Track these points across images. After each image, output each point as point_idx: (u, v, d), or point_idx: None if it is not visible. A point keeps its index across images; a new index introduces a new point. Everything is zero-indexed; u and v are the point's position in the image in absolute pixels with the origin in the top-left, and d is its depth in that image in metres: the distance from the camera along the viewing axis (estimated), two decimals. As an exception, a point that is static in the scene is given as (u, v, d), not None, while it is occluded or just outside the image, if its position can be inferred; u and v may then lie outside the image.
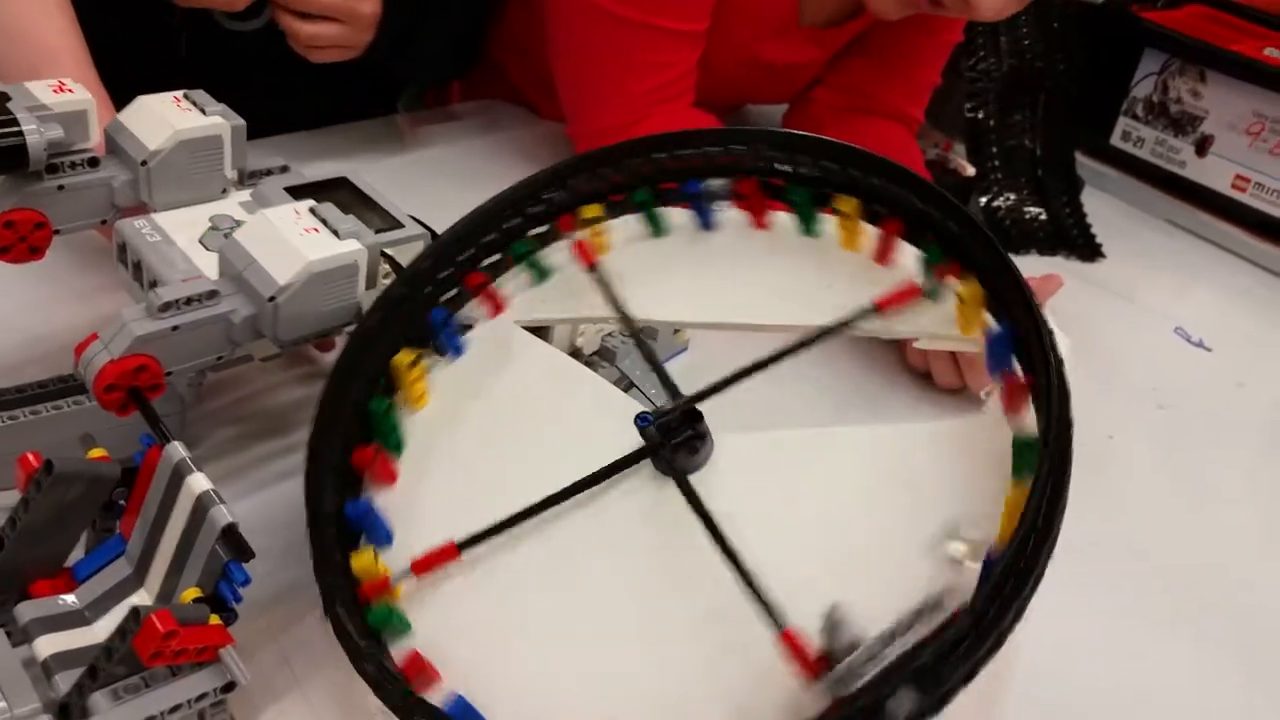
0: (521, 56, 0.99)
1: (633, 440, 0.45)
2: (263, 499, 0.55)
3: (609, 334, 0.67)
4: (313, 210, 0.47)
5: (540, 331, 0.60)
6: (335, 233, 0.46)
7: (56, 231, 0.51)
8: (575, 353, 0.65)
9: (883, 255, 0.46)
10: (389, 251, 0.50)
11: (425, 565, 0.44)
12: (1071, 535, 0.63)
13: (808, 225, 0.49)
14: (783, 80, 0.97)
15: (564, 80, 0.87)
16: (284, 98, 0.83)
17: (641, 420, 0.44)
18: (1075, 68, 1.06)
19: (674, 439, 0.43)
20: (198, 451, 0.57)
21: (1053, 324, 0.42)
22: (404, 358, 0.48)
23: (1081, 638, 0.57)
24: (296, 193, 0.54)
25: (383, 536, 0.45)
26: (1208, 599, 0.62)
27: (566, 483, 0.44)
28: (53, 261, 0.54)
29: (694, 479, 0.43)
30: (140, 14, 0.80)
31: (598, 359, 0.66)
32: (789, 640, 0.36)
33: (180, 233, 0.51)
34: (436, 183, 0.85)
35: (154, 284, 0.49)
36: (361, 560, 0.44)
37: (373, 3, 0.76)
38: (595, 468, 0.44)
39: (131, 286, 0.51)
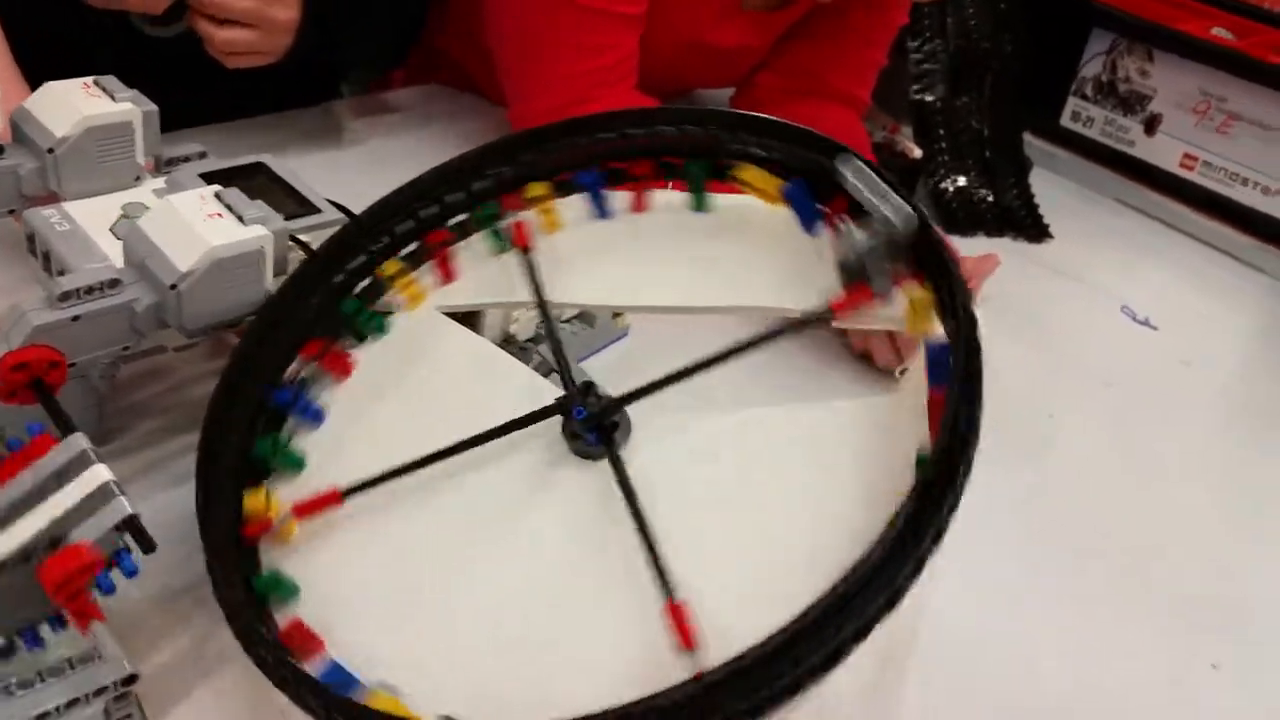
0: (467, 39, 0.98)
1: (550, 429, 0.44)
2: (185, 491, 0.54)
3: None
4: (218, 196, 0.46)
5: (471, 317, 0.59)
6: (241, 218, 0.45)
7: (-39, 222, 0.50)
8: (509, 339, 0.64)
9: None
10: (302, 237, 0.50)
11: (308, 509, 0.43)
12: (1016, 514, 0.64)
13: (699, 201, 0.48)
14: (726, 64, 0.96)
15: (504, 63, 0.86)
16: (215, 99, 0.81)
17: (577, 412, 0.43)
18: (1023, 48, 1.06)
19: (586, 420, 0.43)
20: (119, 443, 0.57)
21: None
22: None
23: (1019, 612, 0.57)
24: (212, 178, 0.53)
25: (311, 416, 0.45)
26: (1151, 577, 0.62)
27: (479, 467, 0.44)
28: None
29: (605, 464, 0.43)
30: (63, 22, 0.78)
31: (533, 345, 0.65)
32: (674, 612, 0.36)
33: (91, 221, 0.50)
34: (373, 170, 0.84)
35: (62, 273, 0.48)
36: (253, 500, 0.43)
37: (289, 9, 0.74)
38: (511, 455, 0.44)
39: (41, 277, 0.50)
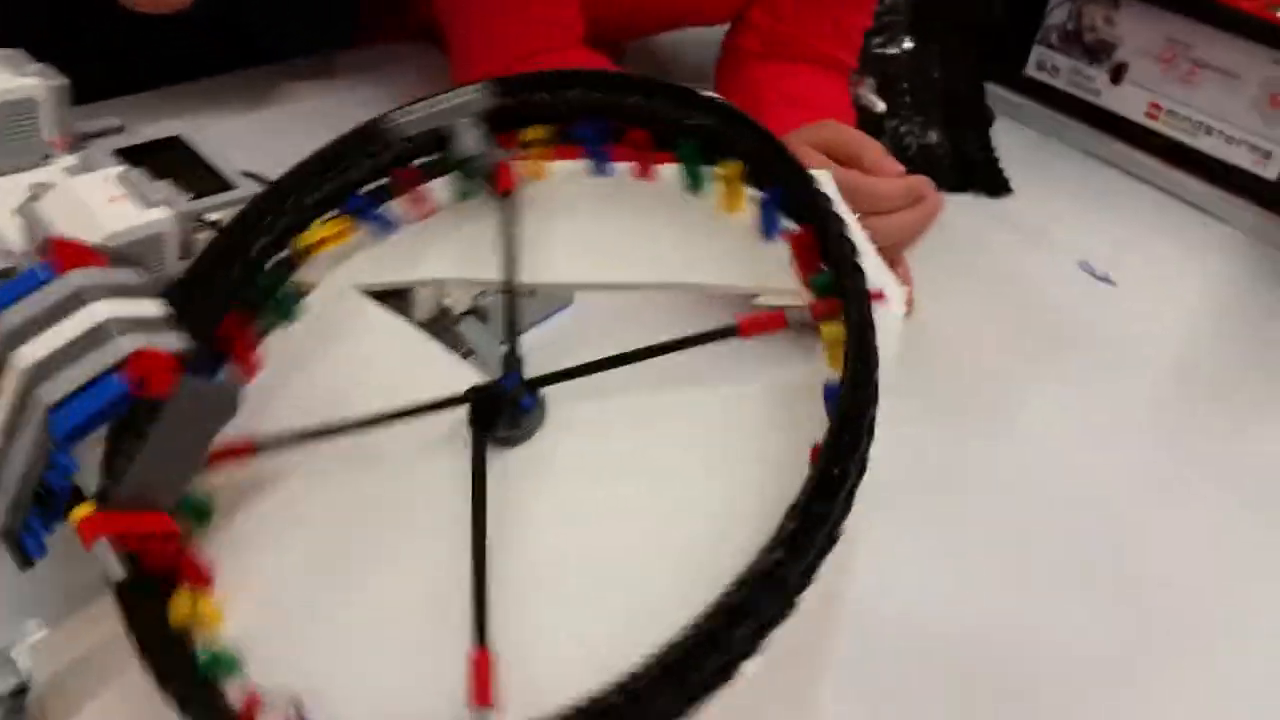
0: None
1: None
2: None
3: (483, 291, 0.65)
4: (120, 178, 0.44)
5: (401, 291, 0.58)
6: (143, 201, 0.43)
7: None
8: (443, 312, 0.63)
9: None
10: (217, 216, 0.48)
11: (221, 456, 0.42)
12: (970, 477, 0.63)
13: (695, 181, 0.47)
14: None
15: (451, 18, 0.84)
16: (151, 66, 0.79)
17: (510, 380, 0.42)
18: (987, -3, 1.04)
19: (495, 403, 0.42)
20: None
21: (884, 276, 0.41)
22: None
23: (970, 588, 0.56)
24: (127, 155, 0.51)
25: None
26: (1108, 539, 0.61)
27: (385, 456, 0.43)
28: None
29: (523, 451, 0.42)
30: None
31: (472, 318, 0.64)
32: (478, 663, 0.35)
33: (-3, 203, 0.49)
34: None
35: (-34, 259, 0.47)
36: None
37: None
38: (416, 440, 0.43)
39: (-53, 262, 0.49)
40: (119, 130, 0.55)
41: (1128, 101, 1.07)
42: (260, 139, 0.81)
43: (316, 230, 0.49)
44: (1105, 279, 0.87)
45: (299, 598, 0.40)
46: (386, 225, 0.50)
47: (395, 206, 0.50)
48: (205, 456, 0.41)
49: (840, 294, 0.37)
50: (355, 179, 0.49)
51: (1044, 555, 0.60)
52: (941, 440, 0.66)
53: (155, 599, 0.39)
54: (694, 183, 0.47)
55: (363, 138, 0.49)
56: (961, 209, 0.93)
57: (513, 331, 0.44)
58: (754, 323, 0.40)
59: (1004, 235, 0.91)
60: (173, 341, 0.37)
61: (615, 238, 0.49)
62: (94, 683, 0.42)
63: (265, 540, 0.42)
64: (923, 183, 0.70)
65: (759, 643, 0.30)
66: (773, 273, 0.43)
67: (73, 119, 0.52)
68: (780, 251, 0.44)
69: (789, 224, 0.44)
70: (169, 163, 0.50)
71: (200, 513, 0.43)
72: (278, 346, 0.48)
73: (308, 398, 0.45)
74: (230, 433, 0.43)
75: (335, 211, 0.50)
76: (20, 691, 0.37)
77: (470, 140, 0.46)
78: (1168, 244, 0.96)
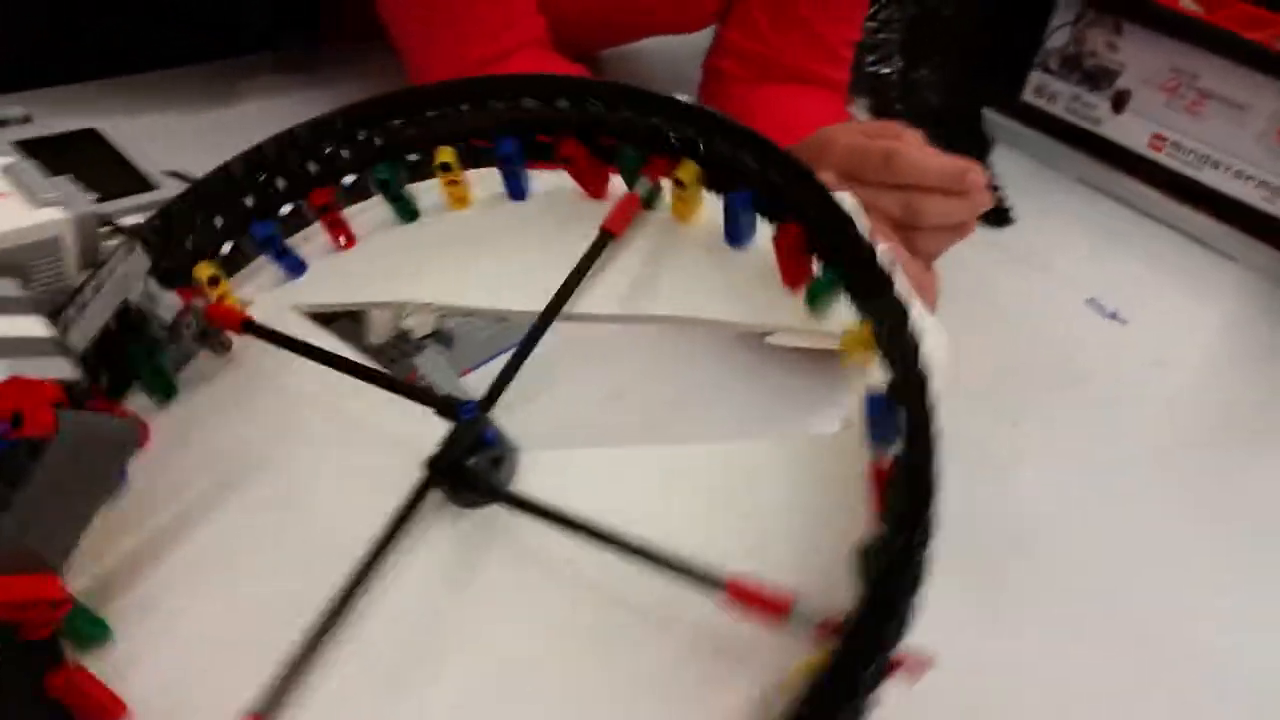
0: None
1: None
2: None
3: (444, 314, 0.58)
4: (7, 171, 0.36)
5: (354, 315, 0.51)
6: (34, 199, 0.36)
7: None
8: (403, 335, 0.56)
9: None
10: (128, 221, 0.41)
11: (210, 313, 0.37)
12: (975, 518, 0.56)
13: (649, 195, 0.40)
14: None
15: (400, 18, 0.77)
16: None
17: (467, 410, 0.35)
18: (985, 17, 0.98)
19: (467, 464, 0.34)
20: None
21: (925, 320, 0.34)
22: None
23: (980, 646, 0.50)
24: (33, 148, 0.44)
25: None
26: (1120, 601, 0.55)
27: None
28: None
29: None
30: None
31: (432, 342, 0.57)
32: (737, 592, 0.28)
33: None
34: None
35: None
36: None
37: None
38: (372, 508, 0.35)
39: None
40: (25, 120, 0.47)
41: (1130, 131, 1.02)
42: (205, 138, 0.75)
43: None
44: (1115, 316, 0.82)
45: None
46: (296, 266, 0.43)
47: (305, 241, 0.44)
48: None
49: (872, 315, 0.30)
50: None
51: (1047, 598, 0.54)
52: (947, 481, 0.59)
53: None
54: (646, 198, 0.40)
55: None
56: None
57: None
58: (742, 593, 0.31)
59: (1006, 267, 0.86)
60: (58, 368, 0.30)
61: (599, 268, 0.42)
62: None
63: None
64: (975, 169, 0.62)
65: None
66: (784, 305, 0.37)
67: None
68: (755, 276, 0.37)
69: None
70: (81, 159, 0.43)
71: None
72: (195, 381, 0.40)
73: (220, 447, 0.38)
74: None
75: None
76: None
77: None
78: (1174, 281, 0.91)
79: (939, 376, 0.30)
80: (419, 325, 0.56)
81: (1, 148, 0.42)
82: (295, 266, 0.43)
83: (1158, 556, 0.59)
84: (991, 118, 1.05)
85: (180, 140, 0.69)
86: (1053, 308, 0.82)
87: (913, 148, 0.62)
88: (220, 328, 0.38)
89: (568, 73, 0.75)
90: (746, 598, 0.29)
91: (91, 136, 0.45)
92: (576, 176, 0.42)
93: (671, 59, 1.03)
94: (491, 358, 0.58)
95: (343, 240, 0.44)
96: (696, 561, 0.30)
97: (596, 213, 0.41)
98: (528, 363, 0.59)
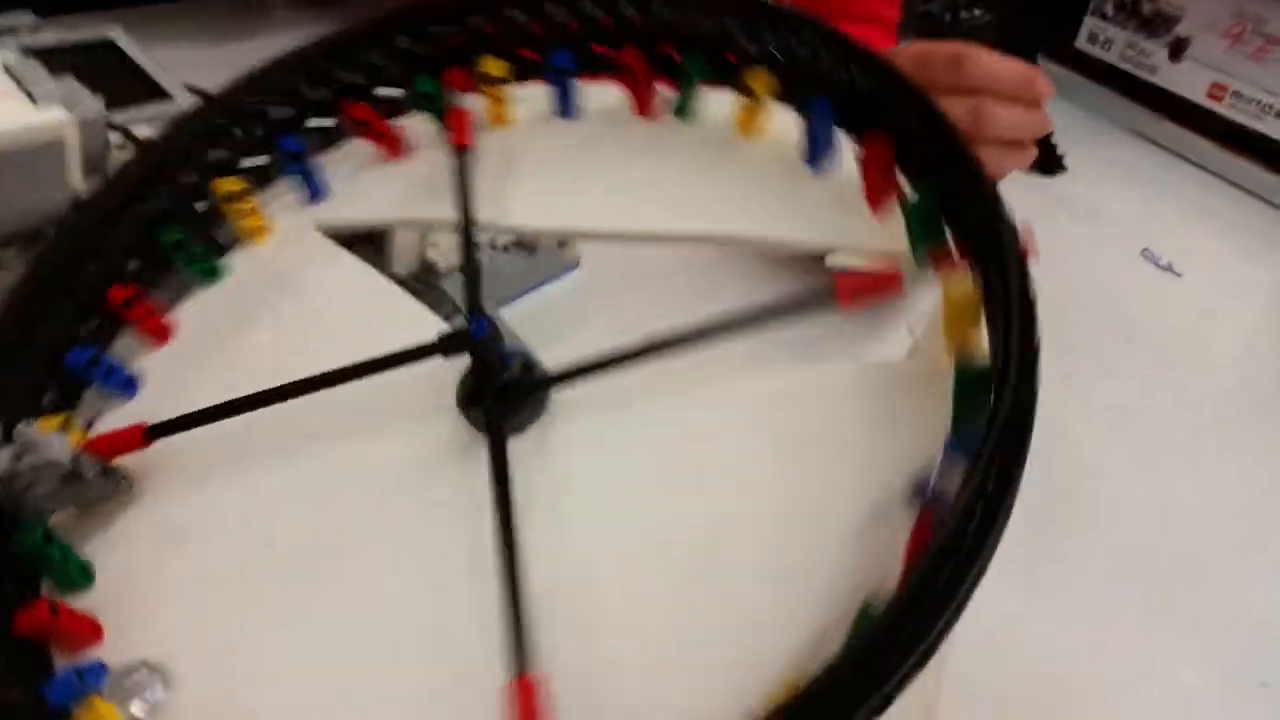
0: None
1: (443, 394, 0.33)
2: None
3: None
4: (8, 69, 0.34)
5: (377, 238, 0.48)
6: (31, 98, 0.33)
7: None
8: (427, 268, 0.53)
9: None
10: (147, 133, 0.38)
11: (107, 443, 0.32)
12: (1029, 501, 0.54)
13: (684, 104, 0.37)
14: None
15: None
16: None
17: (477, 327, 0.32)
18: (1039, -43, 0.94)
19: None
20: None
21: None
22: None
23: (1034, 623, 0.47)
24: (45, 56, 0.41)
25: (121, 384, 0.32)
26: (1170, 549, 0.53)
27: (346, 439, 0.33)
28: None
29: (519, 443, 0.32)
30: None
31: (460, 275, 0.54)
32: (522, 691, 0.26)
33: None
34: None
35: None
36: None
37: None
38: (390, 428, 0.33)
39: None
40: (35, 29, 0.45)
41: (1188, 80, 0.97)
42: (225, 68, 0.72)
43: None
44: (1169, 268, 0.78)
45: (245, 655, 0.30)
46: (316, 190, 0.40)
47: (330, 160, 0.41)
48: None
49: (975, 236, 0.27)
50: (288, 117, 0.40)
51: (1100, 555, 0.52)
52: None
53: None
54: (682, 106, 0.37)
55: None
56: (1012, 187, 0.83)
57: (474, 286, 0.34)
58: (857, 285, 0.29)
59: (1058, 218, 0.82)
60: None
61: (633, 181, 0.39)
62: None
63: (183, 585, 0.32)
64: (1042, 79, 0.59)
65: None
66: (850, 224, 0.34)
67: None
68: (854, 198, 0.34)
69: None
70: (96, 68, 0.41)
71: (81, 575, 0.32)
72: (210, 304, 0.38)
73: (243, 369, 0.35)
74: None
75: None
76: None
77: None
78: (1230, 234, 0.87)
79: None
80: (445, 258, 0.54)
81: (8, 49, 0.40)
82: (318, 189, 0.40)
83: (1213, 511, 0.56)
84: (1043, 65, 1.01)
85: (199, 69, 0.67)
86: (1105, 259, 0.78)
87: (982, 52, 0.59)
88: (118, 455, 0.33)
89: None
90: (859, 286, 0.28)
91: (108, 47, 0.43)
92: (633, 89, 0.39)
93: None
94: (522, 293, 0.56)
95: (387, 152, 0.41)
96: (792, 295, 0.28)
97: (650, 133, 0.39)
98: (567, 294, 0.57)
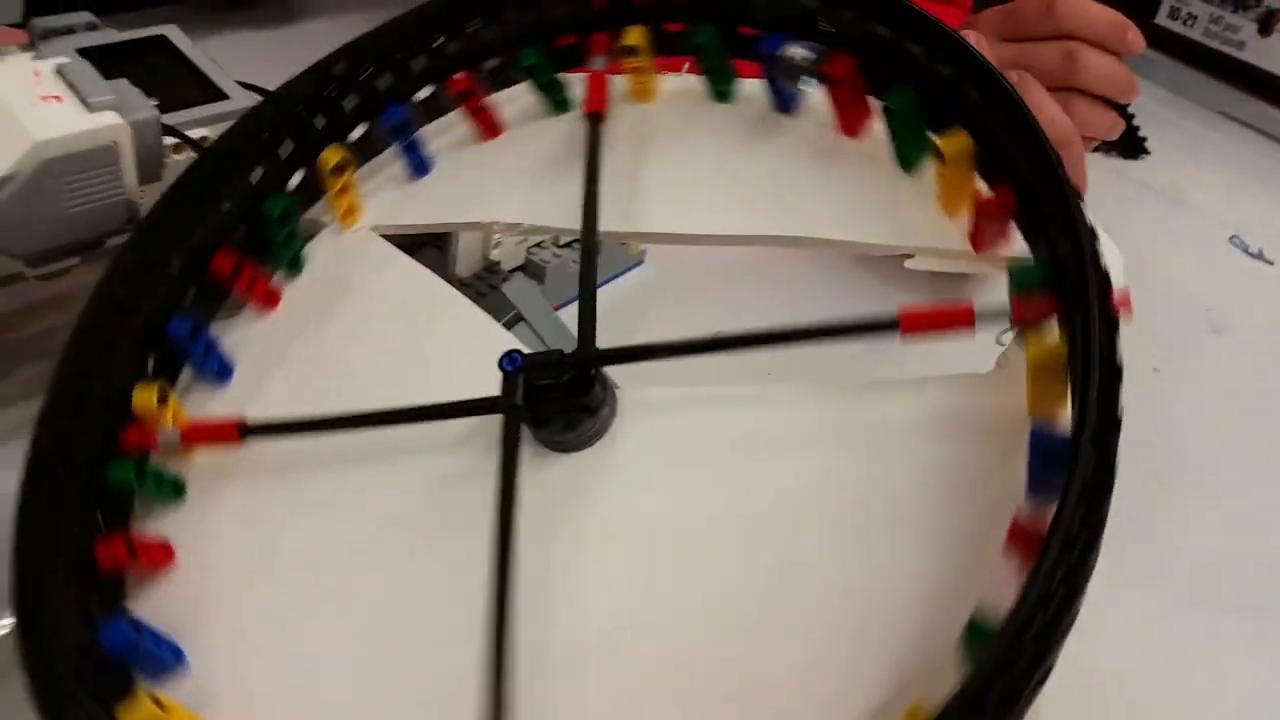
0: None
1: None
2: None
3: (537, 244, 0.54)
4: (60, 71, 0.33)
5: (440, 238, 0.47)
6: (85, 103, 0.32)
7: None
8: (491, 267, 0.52)
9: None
10: (200, 134, 0.37)
11: (199, 435, 0.33)
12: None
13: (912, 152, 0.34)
14: None
15: None
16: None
17: (508, 362, 0.30)
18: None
19: (546, 403, 0.30)
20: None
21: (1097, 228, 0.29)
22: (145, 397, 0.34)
23: (1112, 621, 0.45)
24: (98, 55, 0.40)
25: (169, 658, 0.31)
26: (1261, 547, 0.51)
27: (409, 443, 0.32)
28: None
29: (584, 457, 0.31)
30: None
31: (522, 276, 0.53)
32: (913, 320, 0.26)
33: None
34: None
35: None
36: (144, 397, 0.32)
37: None
38: (442, 440, 0.31)
39: None
40: (92, 27, 0.44)
41: (1278, 56, 0.93)
42: (275, 53, 0.71)
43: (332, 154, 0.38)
44: (1260, 256, 0.75)
45: (281, 650, 0.30)
46: (420, 164, 0.39)
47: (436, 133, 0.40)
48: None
49: (1062, 285, 0.25)
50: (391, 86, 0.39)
51: (1188, 554, 0.50)
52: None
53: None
54: (909, 156, 0.34)
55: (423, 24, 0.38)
56: (1093, 169, 0.80)
57: (590, 304, 0.33)
58: (921, 318, 0.27)
59: (1141, 202, 0.79)
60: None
61: (718, 177, 0.37)
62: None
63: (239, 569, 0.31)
64: (1135, 30, 0.59)
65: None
66: (936, 225, 0.32)
67: (29, 13, 0.42)
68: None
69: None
70: (148, 67, 0.40)
71: (174, 488, 0.33)
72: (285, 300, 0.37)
73: (306, 373, 0.35)
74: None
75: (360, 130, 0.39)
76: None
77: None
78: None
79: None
80: (508, 258, 0.52)
81: (68, 56, 0.39)
82: (420, 165, 0.39)
83: None
84: (1122, 42, 0.97)
85: (249, 56, 0.67)
86: (1192, 246, 0.75)
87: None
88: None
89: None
90: (924, 321, 0.26)
91: (161, 44, 0.42)
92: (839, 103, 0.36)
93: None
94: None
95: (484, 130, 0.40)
96: (858, 319, 0.27)
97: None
98: (618, 301, 0.56)
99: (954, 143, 0.30)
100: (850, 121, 0.35)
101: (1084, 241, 0.26)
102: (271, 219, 0.36)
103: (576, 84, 0.39)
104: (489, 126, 0.40)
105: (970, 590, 0.24)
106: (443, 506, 0.31)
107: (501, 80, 0.41)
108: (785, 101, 0.36)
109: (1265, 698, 0.44)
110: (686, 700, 0.25)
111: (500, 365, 0.30)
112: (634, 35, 0.37)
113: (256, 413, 0.34)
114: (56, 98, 0.32)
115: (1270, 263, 0.74)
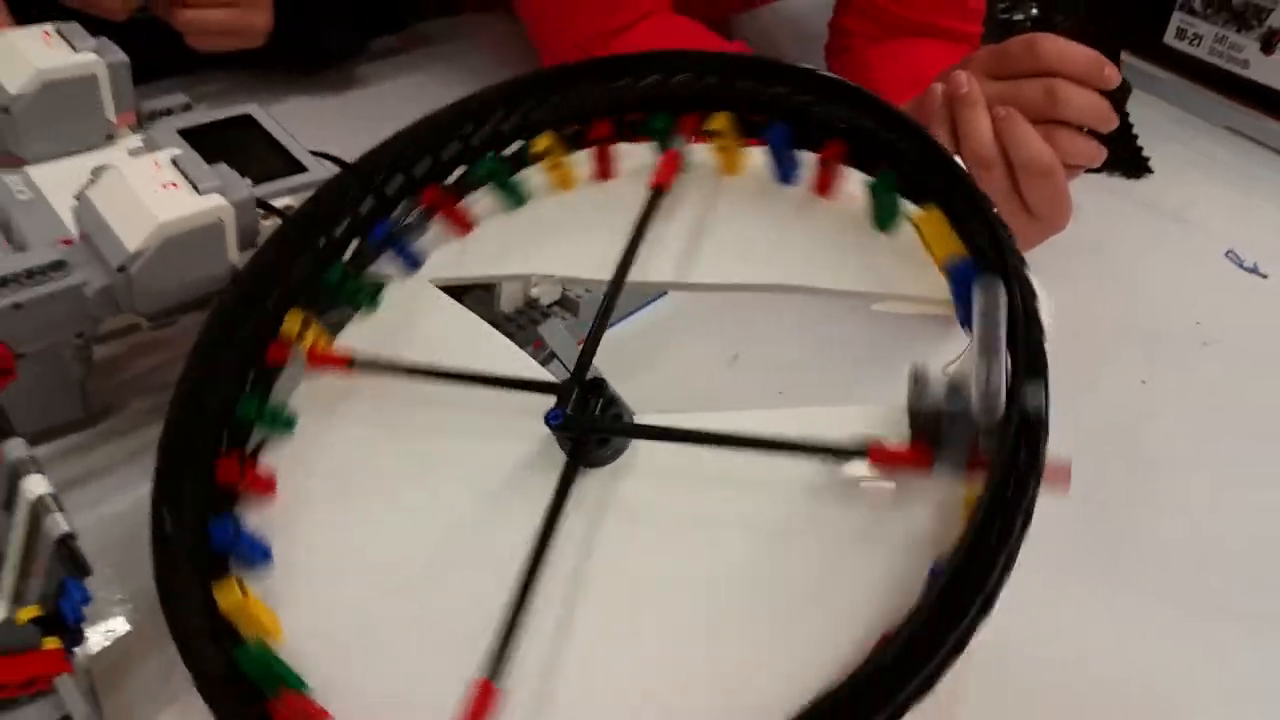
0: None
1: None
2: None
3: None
4: (175, 162, 0.40)
5: (486, 285, 0.54)
6: (195, 188, 0.40)
7: (-79, 190, 0.46)
8: (532, 303, 0.59)
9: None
10: (283, 202, 0.44)
11: (321, 360, 0.41)
12: (1098, 493, 0.56)
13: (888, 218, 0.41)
14: None
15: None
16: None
17: (553, 416, 0.37)
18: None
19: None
20: (109, 424, 0.53)
21: (1034, 281, 0.35)
22: (292, 322, 0.42)
23: (1097, 626, 0.50)
24: (194, 134, 0.48)
25: (258, 556, 0.39)
26: (1244, 562, 0.54)
27: (463, 465, 0.39)
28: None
29: (604, 472, 0.37)
30: None
31: (558, 310, 0.60)
32: (482, 691, 0.31)
33: (57, 188, 0.46)
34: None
35: (24, 248, 0.44)
36: (227, 596, 0.38)
37: None
38: (495, 455, 0.38)
39: (4, 253, 0.46)
40: (186, 108, 0.52)
41: (1281, 73, 0.97)
42: (334, 118, 0.79)
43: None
44: (1254, 270, 0.79)
45: (343, 574, 0.38)
46: (413, 262, 0.46)
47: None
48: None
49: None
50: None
51: (1173, 564, 0.53)
52: (1074, 443, 0.59)
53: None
54: (884, 219, 0.40)
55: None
56: (1094, 190, 0.85)
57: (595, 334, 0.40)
58: (887, 456, 0.33)
59: (1140, 220, 0.83)
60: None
61: (725, 232, 0.44)
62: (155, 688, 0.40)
63: (325, 502, 0.40)
64: (1111, 66, 0.63)
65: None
66: (898, 273, 0.38)
67: (137, 97, 0.49)
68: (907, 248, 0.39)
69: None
70: (237, 142, 0.47)
71: (281, 421, 0.41)
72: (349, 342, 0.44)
73: (378, 404, 0.42)
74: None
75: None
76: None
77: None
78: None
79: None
80: (546, 294, 0.59)
81: (169, 137, 0.47)
82: (413, 260, 0.46)
83: None
84: (1131, 62, 1.01)
85: (320, 121, 0.74)
86: (1188, 261, 0.79)
87: (1053, 36, 0.63)
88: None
89: (697, 37, 0.77)
90: (888, 458, 0.32)
91: (247, 121, 0.49)
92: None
93: (800, 18, 1.03)
94: (614, 322, 0.61)
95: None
96: (832, 438, 0.33)
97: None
98: (646, 329, 0.62)
99: (930, 218, 0.37)
100: (824, 186, 0.41)
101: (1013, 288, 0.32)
102: (331, 282, 0.44)
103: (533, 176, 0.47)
104: (463, 225, 0.47)
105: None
106: (497, 498, 0.38)
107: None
108: (785, 174, 0.42)
109: (1240, 698, 0.48)
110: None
111: (546, 420, 0.37)
112: (719, 120, 0.43)
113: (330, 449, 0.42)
114: (173, 184, 0.40)
115: (1264, 276, 0.78)
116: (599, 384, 0.38)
